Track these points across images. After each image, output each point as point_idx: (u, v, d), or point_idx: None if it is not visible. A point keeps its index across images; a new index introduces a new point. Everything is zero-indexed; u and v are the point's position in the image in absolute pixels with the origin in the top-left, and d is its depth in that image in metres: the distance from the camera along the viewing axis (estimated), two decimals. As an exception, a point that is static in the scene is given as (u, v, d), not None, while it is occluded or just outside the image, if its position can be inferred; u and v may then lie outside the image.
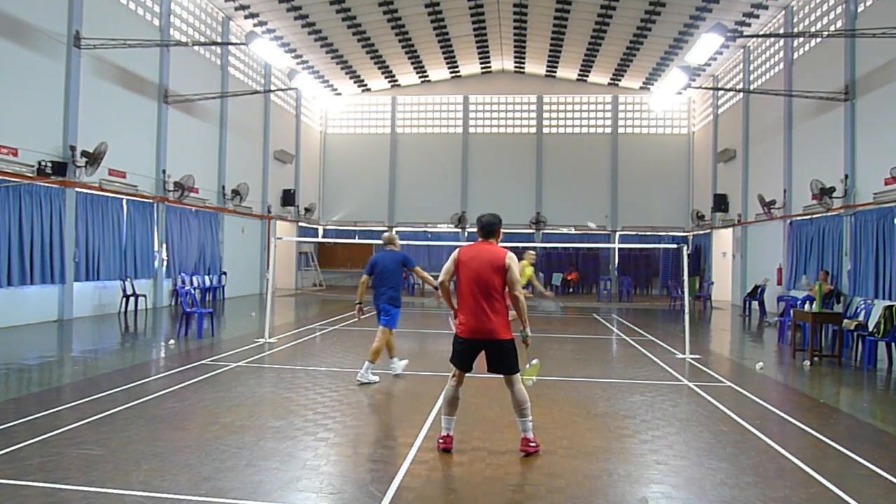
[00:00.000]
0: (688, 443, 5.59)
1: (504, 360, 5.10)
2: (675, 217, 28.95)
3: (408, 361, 8.62)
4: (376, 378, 7.86)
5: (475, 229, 5.51)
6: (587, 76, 28.66)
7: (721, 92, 25.14)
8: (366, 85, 29.65)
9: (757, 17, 19.50)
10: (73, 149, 13.80)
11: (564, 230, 28.99)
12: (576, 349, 11.28)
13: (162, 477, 4.41)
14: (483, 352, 5.17)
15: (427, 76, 29.43)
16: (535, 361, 5.43)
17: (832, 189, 15.50)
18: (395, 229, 30.17)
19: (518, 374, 5.14)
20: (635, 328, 14.60)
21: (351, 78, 28.28)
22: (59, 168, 13.35)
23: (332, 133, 31.37)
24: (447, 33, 24.56)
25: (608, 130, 29.69)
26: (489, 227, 5.29)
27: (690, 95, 28.88)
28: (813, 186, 15.96)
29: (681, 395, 7.56)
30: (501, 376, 5.15)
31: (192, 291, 13.21)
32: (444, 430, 5.21)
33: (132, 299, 15.51)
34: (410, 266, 8.12)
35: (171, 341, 11.17)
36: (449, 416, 5.20)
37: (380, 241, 8.62)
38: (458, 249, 5.32)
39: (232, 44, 20.05)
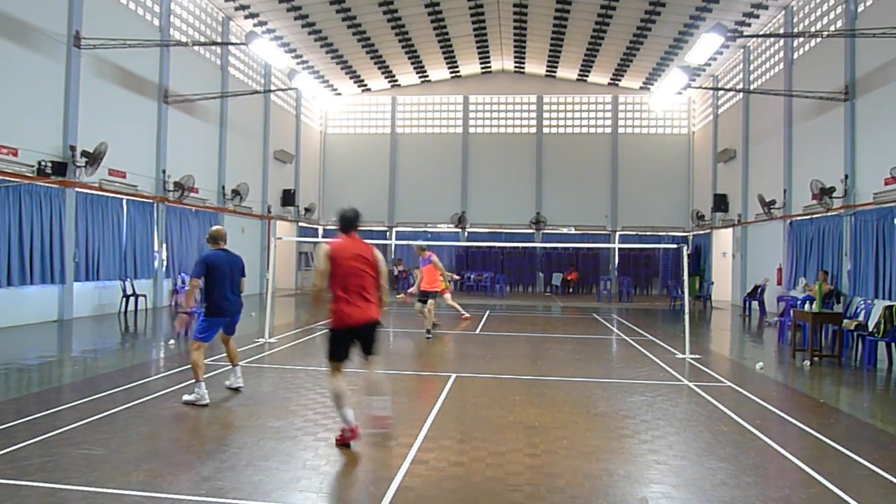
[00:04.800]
0: (688, 443, 5.59)
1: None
2: (675, 217, 28.95)
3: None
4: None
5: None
6: (587, 76, 28.66)
7: (721, 92, 25.13)
8: (366, 85, 29.64)
9: (757, 17, 19.50)
10: (73, 149, 13.80)
11: (564, 230, 28.99)
12: (576, 349, 11.28)
13: (162, 477, 4.41)
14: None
15: (427, 76, 29.42)
16: None
17: (832, 189, 15.49)
18: (395, 229, 30.22)
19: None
20: (635, 328, 14.60)
21: (351, 78, 28.28)
22: (59, 168, 13.35)
23: (332, 133, 31.35)
24: (447, 33, 24.56)
25: (608, 130, 29.68)
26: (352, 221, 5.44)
27: (690, 95, 28.88)
28: (813, 186, 15.95)
29: (681, 395, 7.56)
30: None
31: (192, 291, 13.17)
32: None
33: (132, 299, 15.52)
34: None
35: (171, 341, 11.17)
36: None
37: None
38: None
39: (232, 44, 20.05)
